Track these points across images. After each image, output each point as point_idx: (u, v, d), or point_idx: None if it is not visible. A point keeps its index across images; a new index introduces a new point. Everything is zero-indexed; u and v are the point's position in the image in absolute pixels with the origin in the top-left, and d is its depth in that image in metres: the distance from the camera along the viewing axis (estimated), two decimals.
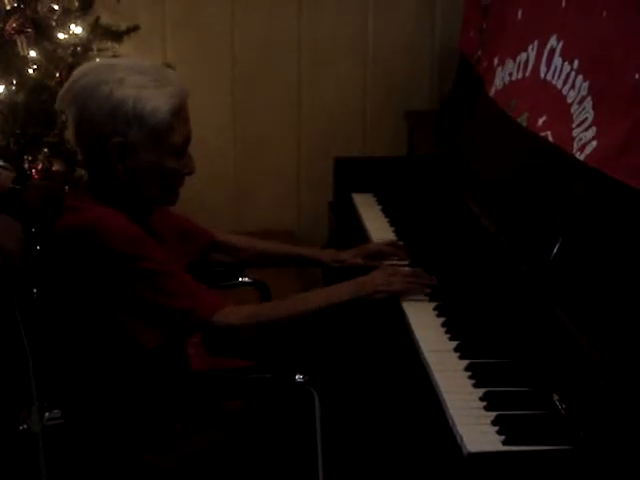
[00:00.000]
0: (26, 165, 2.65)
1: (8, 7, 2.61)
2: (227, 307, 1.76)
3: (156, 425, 1.76)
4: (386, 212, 2.72)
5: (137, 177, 1.74)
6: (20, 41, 2.62)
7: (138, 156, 1.72)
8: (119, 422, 1.74)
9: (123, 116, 1.69)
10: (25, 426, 1.72)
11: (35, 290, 1.75)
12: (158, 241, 1.81)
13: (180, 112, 1.74)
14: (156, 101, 1.70)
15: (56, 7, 2.72)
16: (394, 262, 2.19)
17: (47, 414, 1.73)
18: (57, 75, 2.68)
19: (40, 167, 2.66)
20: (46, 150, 2.68)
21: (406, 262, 2.21)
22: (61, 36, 2.70)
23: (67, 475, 1.79)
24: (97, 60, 2.68)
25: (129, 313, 1.69)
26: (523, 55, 2.26)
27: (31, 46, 2.64)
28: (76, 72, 1.77)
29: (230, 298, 2.26)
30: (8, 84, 2.63)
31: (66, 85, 1.76)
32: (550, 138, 1.96)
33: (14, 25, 2.60)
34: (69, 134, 1.78)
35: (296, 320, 1.81)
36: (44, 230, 1.73)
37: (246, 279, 2.23)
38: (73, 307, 1.72)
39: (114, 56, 2.71)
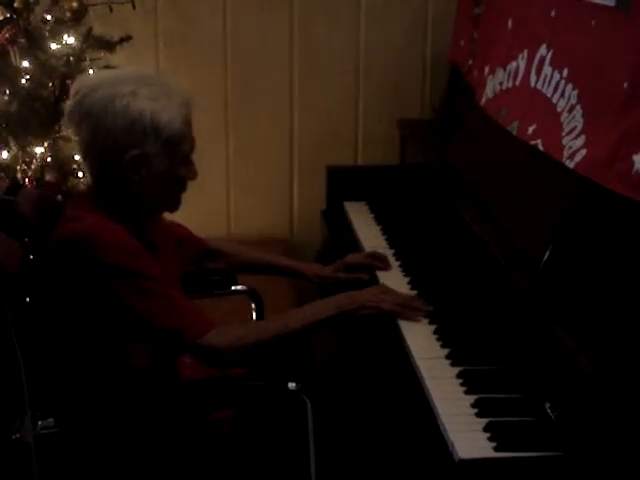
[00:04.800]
0: (19, 175, 2.65)
1: (0, 17, 2.61)
2: (215, 329, 1.73)
3: (150, 434, 1.76)
4: (379, 220, 2.73)
5: (149, 187, 1.75)
6: (13, 51, 2.63)
7: (152, 166, 1.73)
8: (112, 431, 1.74)
9: (141, 129, 1.70)
10: (18, 435, 1.71)
11: (28, 299, 1.75)
12: (154, 251, 1.81)
13: (189, 121, 1.77)
14: (170, 112, 1.72)
15: (49, 17, 2.71)
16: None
17: (40, 423, 1.73)
18: (50, 85, 2.68)
19: (33, 177, 2.66)
20: (39, 160, 2.68)
21: (387, 272, 2.22)
22: (54, 46, 2.69)
23: None
24: (91, 71, 2.69)
25: (119, 329, 1.69)
26: (513, 64, 2.27)
27: (24, 56, 2.64)
28: (80, 87, 1.74)
29: (223, 306, 2.27)
30: (1, 94, 2.63)
31: (73, 101, 1.74)
32: (540, 146, 1.97)
33: (7, 35, 2.60)
34: (78, 148, 1.78)
35: (285, 338, 1.80)
36: (38, 240, 1.73)
37: (239, 287, 2.23)
38: (67, 318, 1.72)
39: (107, 66, 2.71)
